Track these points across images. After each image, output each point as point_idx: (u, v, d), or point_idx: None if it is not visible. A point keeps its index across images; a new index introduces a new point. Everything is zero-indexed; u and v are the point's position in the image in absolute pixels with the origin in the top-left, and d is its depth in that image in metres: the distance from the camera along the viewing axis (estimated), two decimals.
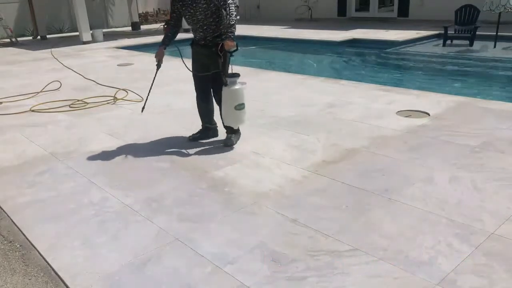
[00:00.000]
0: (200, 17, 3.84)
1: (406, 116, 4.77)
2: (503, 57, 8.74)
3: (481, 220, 2.72)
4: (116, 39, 13.38)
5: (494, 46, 9.27)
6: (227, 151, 4.02)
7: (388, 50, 10.08)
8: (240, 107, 3.90)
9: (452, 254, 2.41)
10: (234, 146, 4.11)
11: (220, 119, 4.11)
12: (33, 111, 5.69)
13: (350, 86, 6.27)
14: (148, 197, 3.21)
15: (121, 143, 4.38)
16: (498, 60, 8.60)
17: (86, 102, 5.98)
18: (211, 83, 4.13)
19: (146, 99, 4.46)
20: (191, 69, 4.20)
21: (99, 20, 16.68)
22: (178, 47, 4.24)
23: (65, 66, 8.94)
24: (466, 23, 9.61)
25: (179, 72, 7.92)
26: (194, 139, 4.33)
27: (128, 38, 13.70)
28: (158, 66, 4.22)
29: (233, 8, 3.69)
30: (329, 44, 11.13)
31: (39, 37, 14.66)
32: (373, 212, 2.86)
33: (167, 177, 3.53)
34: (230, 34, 3.65)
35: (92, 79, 7.50)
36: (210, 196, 3.19)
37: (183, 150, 4.09)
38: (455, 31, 9.76)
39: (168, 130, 4.71)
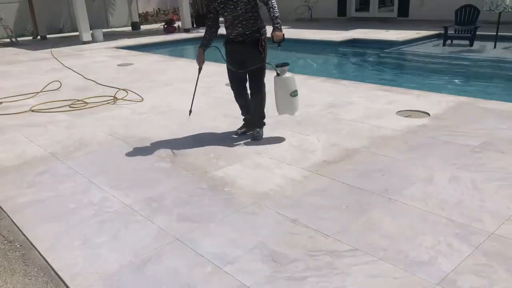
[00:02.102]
0: (240, 12, 3.88)
1: (406, 116, 4.77)
2: (503, 57, 8.74)
3: (481, 220, 2.72)
4: (116, 39, 13.38)
5: (494, 46, 9.27)
6: (227, 151, 4.02)
7: (388, 50, 10.08)
8: (295, 93, 4.02)
9: (452, 254, 2.41)
10: (261, 138, 4.25)
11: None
12: (33, 111, 5.69)
13: (350, 86, 6.27)
14: (148, 197, 3.21)
15: (121, 143, 4.38)
16: (498, 60, 8.59)
17: (86, 102, 5.98)
18: (245, 79, 4.20)
19: (192, 103, 4.36)
20: (229, 66, 4.18)
21: (99, 20, 16.67)
22: (217, 47, 4.17)
23: (65, 66, 8.94)
24: (466, 23, 9.61)
25: (181, 72, 7.94)
26: (242, 133, 4.44)
27: (128, 38, 13.70)
28: (200, 69, 4.22)
29: (274, 1, 3.83)
30: (329, 44, 11.13)
31: (39, 37, 14.66)
32: (373, 212, 2.86)
33: (167, 177, 3.53)
34: (277, 25, 3.78)
35: (92, 79, 7.50)
36: (210, 196, 3.19)
37: (184, 150, 4.09)
38: (455, 31, 9.77)
39: (169, 130, 4.70)
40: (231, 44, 4.11)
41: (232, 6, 3.87)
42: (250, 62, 4.03)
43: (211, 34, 4.11)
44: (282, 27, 3.83)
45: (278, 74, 3.96)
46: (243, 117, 4.50)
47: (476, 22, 9.44)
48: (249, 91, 4.24)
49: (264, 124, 4.35)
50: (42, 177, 3.66)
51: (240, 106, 4.43)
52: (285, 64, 3.95)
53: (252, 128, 4.33)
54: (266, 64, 4.07)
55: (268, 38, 3.95)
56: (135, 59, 9.66)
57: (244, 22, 3.93)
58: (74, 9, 12.94)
